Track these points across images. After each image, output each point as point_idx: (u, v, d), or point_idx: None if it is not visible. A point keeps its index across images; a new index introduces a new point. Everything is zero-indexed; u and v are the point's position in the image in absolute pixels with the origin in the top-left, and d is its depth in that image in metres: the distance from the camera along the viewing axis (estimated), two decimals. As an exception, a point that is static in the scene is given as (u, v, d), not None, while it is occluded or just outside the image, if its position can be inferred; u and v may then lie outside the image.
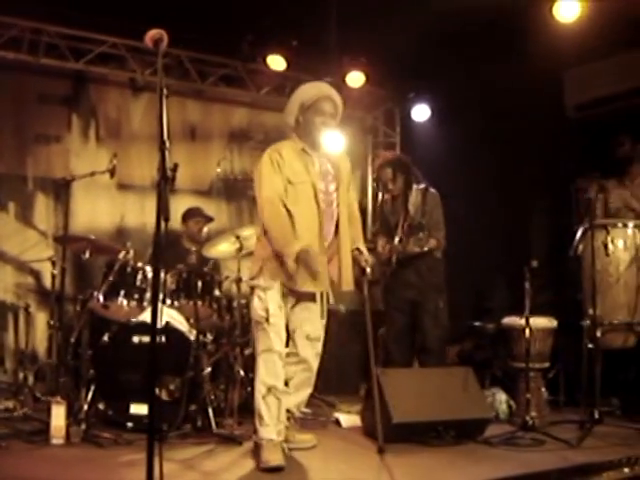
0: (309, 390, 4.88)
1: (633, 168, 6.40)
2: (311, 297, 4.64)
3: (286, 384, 4.61)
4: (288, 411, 4.71)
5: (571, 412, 5.91)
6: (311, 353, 4.71)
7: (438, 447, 4.91)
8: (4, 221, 7.31)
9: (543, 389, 5.92)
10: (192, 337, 5.41)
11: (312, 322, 4.69)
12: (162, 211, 2.70)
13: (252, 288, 4.57)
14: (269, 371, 4.41)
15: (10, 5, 6.67)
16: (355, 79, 8.06)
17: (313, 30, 6.97)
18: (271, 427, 4.37)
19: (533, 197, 7.51)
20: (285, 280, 4.47)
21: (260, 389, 4.41)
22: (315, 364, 4.77)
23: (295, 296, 4.61)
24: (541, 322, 5.78)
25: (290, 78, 8.36)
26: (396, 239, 6.05)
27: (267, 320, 4.42)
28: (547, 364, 5.91)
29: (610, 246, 5.58)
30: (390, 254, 6.06)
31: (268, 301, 4.45)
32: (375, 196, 8.49)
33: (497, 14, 6.49)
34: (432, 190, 6.16)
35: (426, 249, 5.79)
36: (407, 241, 5.94)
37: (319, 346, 4.76)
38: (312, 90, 4.77)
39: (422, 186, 6.16)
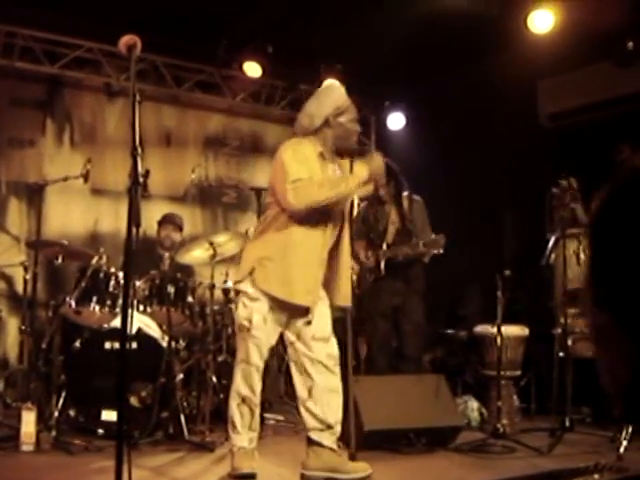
0: (337, 398, 4.35)
1: None
2: (303, 312, 4.31)
3: (309, 394, 4.30)
4: (329, 427, 4.28)
5: (542, 420, 5.97)
6: (323, 353, 4.34)
7: (409, 454, 4.93)
8: (-24, 226, 7.27)
9: (514, 397, 5.97)
10: (164, 343, 5.39)
11: (315, 323, 4.36)
12: (133, 217, 2.70)
13: (237, 292, 4.39)
14: (245, 382, 4.25)
15: (-16, 8, 6.65)
16: (331, 87, 8.08)
17: (289, 37, 6.99)
18: (243, 435, 4.33)
19: (507, 205, 7.57)
20: (278, 287, 4.21)
21: (235, 397, 4.30)
22: (332, 366, 4.35)
23: (285, 311, 4.28)
24: (513, 330, 5.83)
25: (266, 85, 8.39)
26: (384, 245, 6.02)
27: (248, 330, 4.21)
28: (519, 372, 5.96)
29: (582, 255, 5.62)
30: (377, 260, 6.02)
31: (253, 311, 4.21)
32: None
33: (472, 24, 6.55)
34: (416, 197, 6.16)
35: (422, 250, 5.77)
36: (398, 247, 5.92)
37: (332, 347, 4.37)
38: (344, 94, 4.54)
39: (406, 193, 6.15)
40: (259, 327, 4.22)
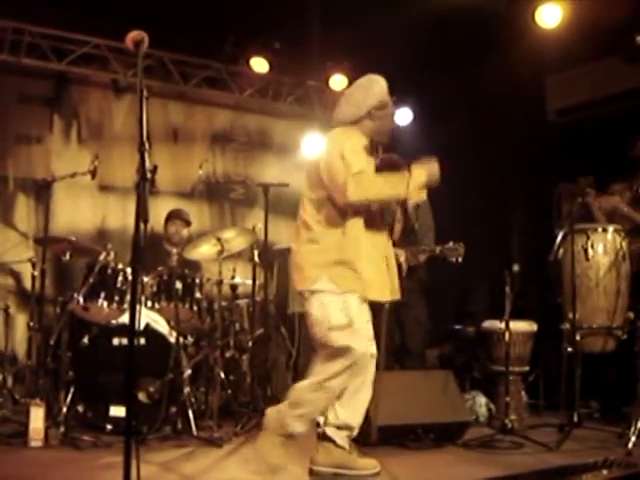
0: (365, 399, 4.24)
1: None
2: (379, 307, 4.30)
3: (340, 394, 4.15)
4: (349, 428, 4.20)
5: (550, 415, 5.95)
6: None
7: (417, 450, 4.92)
8: (-16, 222, 7.28)
9: (523, 392, 5.95)
10: (172, 339, 5.40)
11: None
12: (141, 213, 2.70)
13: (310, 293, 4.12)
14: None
15: (-9, 5, 6.66)
16: (338, 82, 8.10)
17: (296, 33, 6.98)
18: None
19: (515, 201, 7.55)
20: (360, 289, 4.09)
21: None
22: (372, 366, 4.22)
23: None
24: (521, 326, 5.81)
25: (273, 81, 8.39)
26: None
27: (350, 325, 4.04)
28: (527, 368, 5.94)
29: (590, 251, 5.59)
30: None
31: (346, 306, 4.05)
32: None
33: (479, 19, 6.53)
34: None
35: (436, 254, 5.74)
36: (415, 249, 5.87)
37: (374, 347, 4.21)
38: (386, 88, 4.44)
39: None
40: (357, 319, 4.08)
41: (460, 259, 5.50)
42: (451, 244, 5.55)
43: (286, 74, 8.33)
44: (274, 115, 8.82)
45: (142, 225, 2.70)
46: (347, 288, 4.05)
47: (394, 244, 5.90)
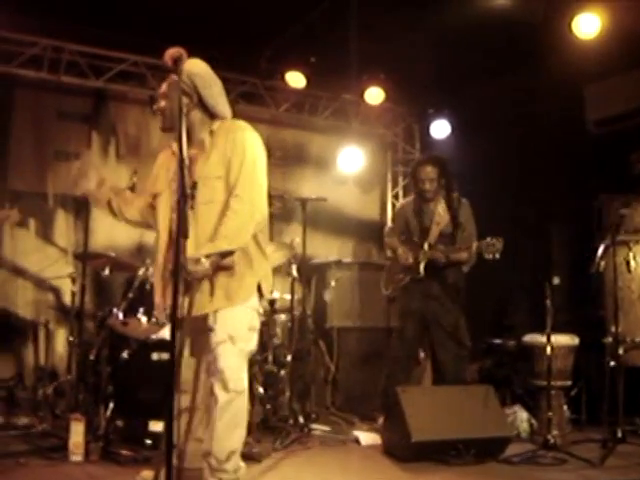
0: None
1: None
2: None
3: None
4: None
5: (593, 431, 5.84)
6: None
7: (458, 466, 4.86)
8: (25, 238, 7.34)
9: (565, 407, 5.88)
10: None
11: None
12: (181, 229, 2.70)
13: None
14: None
15: (31, 23, 6.75)
16: (374, 96, 8.09)
17: (331, 46, 6.99)
18: None
19: (554, 213, 7.47)
20: None
21: None
22: None
23: None
24: (563, 339, 5.75)
25: (309, 95, 8.40)
26: (425, 245, 5.89)
27: None
28: (569, 382, 5.87)
29: (632, 263, 5.54)
30: (417, 260, 5.89)
31: None
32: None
33: (516, 29, 6.49)
34: (464, 200, 6.01)
35: (461, 258, 5.70)
36: (437, 248, 5.83)
37: None
38: None
39: (455, 194, 6.00)
40: None
41: (497, 255, 5.39)
42: (488, 239, 5.45)
43: (322, 88, 8.34)
44: (311, 129, 8.83)
45: (183, 240, 2.71)
46: None
47: (430, 246, 5.85)
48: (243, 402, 3.74)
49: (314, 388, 6.90)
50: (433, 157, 6.17)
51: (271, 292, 4.13)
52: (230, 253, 3.63)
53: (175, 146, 3.85)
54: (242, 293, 3.72)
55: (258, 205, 3.72)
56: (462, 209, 5.94)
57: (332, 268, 7.42)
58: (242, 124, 3.88)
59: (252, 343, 3.82)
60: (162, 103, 3.99)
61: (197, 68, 3.89)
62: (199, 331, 3.71)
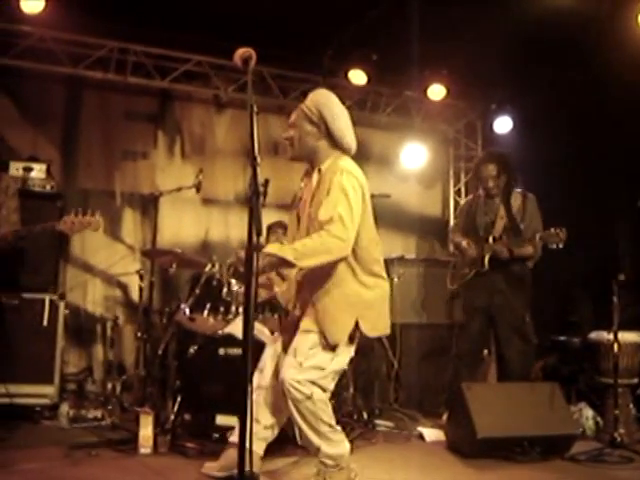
0: None
1: None
2: None
3: None
4: None
5: (661, 429, 5.77)
6: None
7: (524, 463, 4.85)
8: (93, 235, 7.48)
9: (631, 405, 5.80)
10: (276, 350, 5.45)
11: None
12: (255, 225, 2.75)
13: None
14: None
15: (98, 26, 6.91)
16: (436, 92, 8.09)
17: (393, 44, 6.99)
18: None
19: (620, 209, 7.36)
20: None
21: None
22: None
23: None
24: (630, 337, 5.67)
25: (371, 92, 8.41)
26: (490, 239, 5.89)
27: None
28: (636, 380, 5.79)
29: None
30: (482, 254, 5.90)
31: None
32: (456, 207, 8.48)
33: (580, 24, 6.41)
34: (531, 195, 6.00)
35: (526, 253, 5.67)
36: (501, 241, 5.82)
37: None
38: None
39: (520, 190, 6.01)
40: None
41: (561, 245, 5.36)
42: (552, 230, 5.42)
43: (384, 85, 8.34)
44: (373, 126, 8.83)
45: (255, 237, 2.75)
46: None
47: (494, 240, 5.84)
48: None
49: (377, 384, 6.93)
50: (494, 154, 6.17)
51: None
52: (290, 264, 3.78)
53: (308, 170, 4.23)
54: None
55: (343, 246, 3.89)
56: (528, 203, 5.93)
57: (395, 264, 7.41)
58: (342, 166, 4.00)
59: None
60: (290, 132, 4.17)
61: (324, 99, 4.12)
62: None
